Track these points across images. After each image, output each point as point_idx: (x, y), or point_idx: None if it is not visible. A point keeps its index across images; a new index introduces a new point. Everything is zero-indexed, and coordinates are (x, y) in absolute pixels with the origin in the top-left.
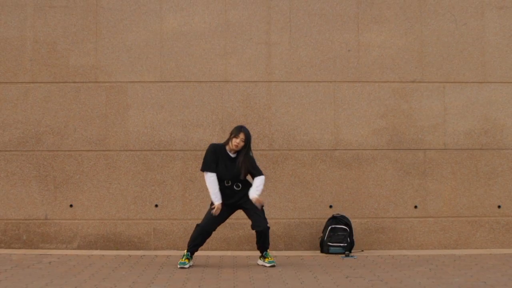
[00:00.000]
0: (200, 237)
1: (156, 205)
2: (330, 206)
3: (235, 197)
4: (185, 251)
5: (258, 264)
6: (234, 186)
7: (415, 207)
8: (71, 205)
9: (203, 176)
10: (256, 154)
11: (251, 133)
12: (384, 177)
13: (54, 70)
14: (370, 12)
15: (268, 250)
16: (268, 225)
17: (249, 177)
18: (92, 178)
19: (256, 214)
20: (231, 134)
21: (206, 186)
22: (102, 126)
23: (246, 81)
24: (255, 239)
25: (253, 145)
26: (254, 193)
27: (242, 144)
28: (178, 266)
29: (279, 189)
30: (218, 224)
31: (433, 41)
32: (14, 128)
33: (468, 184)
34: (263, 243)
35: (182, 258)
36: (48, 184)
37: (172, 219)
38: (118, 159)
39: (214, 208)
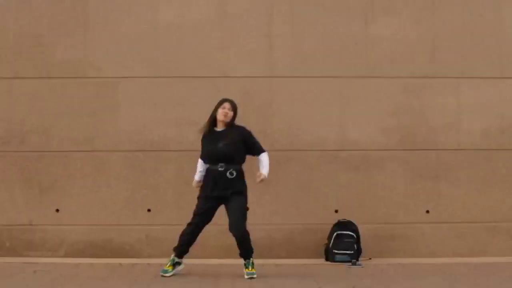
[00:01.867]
0: (186, 237)
1: (149, 210)
2: (336, 211)
3: (227, 188)
4: (172, 255)
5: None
6: (228, 174)
7: (427, 212)
8: (57, 210)
9: None
10: None
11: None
12: (394, 180)
13: (39, 65)
14: (379, 2)
15: (251, 259)
16: (245, 231)
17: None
18: (80, 180)
19: (235, 216)
20: (214, 109)
21: None
22: (90, 124)
23: (246, 76)
24: (255, 247)
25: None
26: (264, 169)
27: (231, 113)
28: (161, 274)
29: (281, 192)
30: (207, 220)
31: (446, 34)
32: None
33: (484, 187)
34: (243, 250)
35: (166, 265)
36: (33, 187)
37: (166, 225)
38: (108, 160)
39: (198, 206)
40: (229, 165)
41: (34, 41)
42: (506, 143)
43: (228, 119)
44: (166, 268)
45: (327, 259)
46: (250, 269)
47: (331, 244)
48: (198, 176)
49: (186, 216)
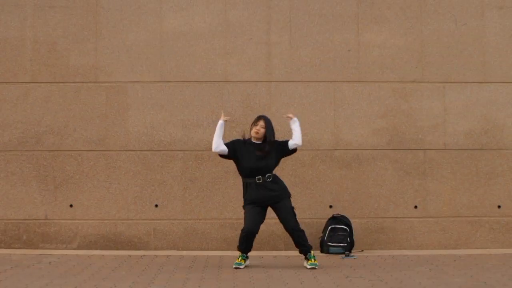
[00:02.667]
0: (245, 240)
1: (156, 205)
2: (330, 206)
3: (268, 191)
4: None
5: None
6: (266, 178)
7: (415, 207)
8: (71, 205)
9: (203, 176)
10: None
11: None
12: (384, 177)
13: (54, 70)
14: (370, 12)
15: (312, 252)
16: (298, 226)
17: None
18: (92, 178)
19: (287, 214)
20: (251, 126)
21: (205, 186)
22: (102, 126)
23: (246, 81)
24: (255, 239)
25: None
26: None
27: (262, 130)
28: (233, 266)
29: None
30: (259, 222)
31: (433, 41)
32: (14, 128)
33: (468, 184)
34: (299, 245)
35: (238, 259)
36: (48, 184)
37: (172, 219)
38: (118, 159)
39: (247, 204)
40: (266, 174)
41: (49, 48)
42: (489, 143)
43: (260, 136)
44: (238, 261)
45: (322, 251)
46: (313, 260)
47: (325, 237)
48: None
49: (191, 210)
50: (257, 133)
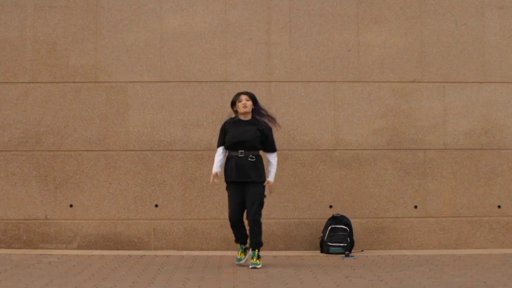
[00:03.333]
0: (234, 230)
1: (156, 205)
2: (330, 206)
3: (246, 172)
4: (239, 244)
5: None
6: (249, 158)
7: (415, 207)
8: (71, 205)
9: (203, 176)
10: None
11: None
12: (384, 177)
13: (54, 70)
14: (370, 12)
15: (257, 251)
16: (258, 218)
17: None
18: (92, 178)
19: (252, 205)
20: (232, 104)
21: (205, 186)
22: (102, 126)
23: (246, 81)
24: None
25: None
26: (271, 177)
27: (249, 103)
28: (236, 263)
29: (279, 189)
30: (241, 209)
31: (433, 41)
32: (14, 128)
33: (468, 184)
34: (252, 237)
35: (238, 253)
36: (48, 184)
37: (172, 219)
38: (118, 159)
39: (228, 186)
40: (251, 151)
41: (49, 48)
42: (489, 143)
43: (249, 110)
44: (239, 256)
45: (322, 251)
46: (255, 259)
47: (325, 237)
48: (216, 167)
49: (191, 210)
50: (245, 106)
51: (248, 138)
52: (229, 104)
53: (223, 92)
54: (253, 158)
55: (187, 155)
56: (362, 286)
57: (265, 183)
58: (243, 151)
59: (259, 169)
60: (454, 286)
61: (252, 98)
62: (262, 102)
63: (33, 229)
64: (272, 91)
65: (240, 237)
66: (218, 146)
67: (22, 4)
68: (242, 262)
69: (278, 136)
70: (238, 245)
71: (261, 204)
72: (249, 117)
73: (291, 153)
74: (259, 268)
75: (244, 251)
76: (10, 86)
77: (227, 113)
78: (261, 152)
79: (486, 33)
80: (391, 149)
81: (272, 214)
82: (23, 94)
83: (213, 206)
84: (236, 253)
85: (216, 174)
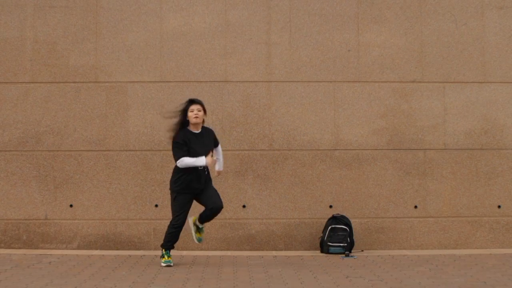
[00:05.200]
0: (177, 234)
1: (156, 205)
2: (330, 206)
3: (201, 184)
4: (163, 250)
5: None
6: (206, 172)
7: (415, 207)
8: (71, 205)
9: None
10: (256, 154)
11: (251, 133)
12: (384, 177)
13: (54, 70)
14: (370, 12)
15: (203, 225)
16: (222, 205)
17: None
18: (92, 178)
19: (216, 194)
20: (182, 112)
21: None
22: (102, 126)
23: (246, 81)
24: (255, 239)
25: (253, 145)
26: (220, 167)
27: (200, 113)
28: (164, 265)
29: (279, 189)
30: (187, 213)
31: (433, 41)
32: (14, 128)
33: (468, 184)
34: (209, 218)
35: (165, 257)
36: (48, 184)
37: None
38: (118, 159)
39: (181, 194)
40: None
41: (49, 48)
42: (488, 143)
43: (200, 120)
44: (168, 259)
45: (322, 251)
46: (200, 234)
47: (325, 237)
48: (201, 159)
49: (191, 211)
50: (197, 116)
51: (205, 153)
52: (228, 104)
53: (223, 92)
54: (206, 171)
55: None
56: (362, 286)
57: (216, 173)
58: (201, 166)
59: (208, 177)
60: (454, 286)
61: (203, 107)
62: (262, 102)
63: (33, 229)
64: (272, 91)
65: (176, 240)
66: (182, 157)
67: (22, 4)
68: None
69: (278, 135)
70: (164, 251)
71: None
72: (199, 128)
73: (291, 153)
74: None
75: (170, 254)
76: (10, 86)
77: (227, 113)
78: None
79: (486, 33)
80: (391, 149)
81: (272, 214)
82: (23, 94)
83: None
84: (236, 253)
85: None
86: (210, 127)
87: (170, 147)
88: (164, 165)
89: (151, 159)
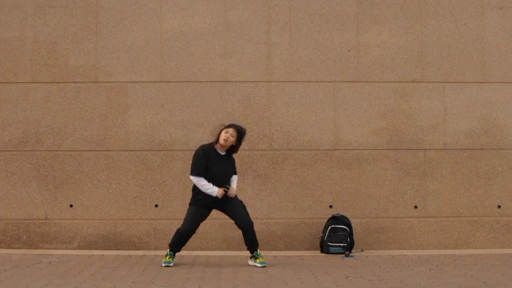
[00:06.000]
0: (183, 240)
1: (156, 205)
2: (330, 206)
3: (219, 200)
4: (168, 250)
5: (249, 264)
6: (225, 188)
7: (415, 207)
8: (71, 205)
9: None
10: (256, 154)
11: (251, 133)
12: (384, 177)
13: (54, 70)
14: (370, 12)
15: (258, 250)
16: (252, 221)
17: None
18: (92, 178)
19: (241, 208)
20: (220, 129)
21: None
22: (102, 126)
23: (246, 81)
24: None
25: (253, 145)
26: (232, 194)
27: (232, 139)
28: (163, 265)
29: (279, 189)
30: (199, 224)
31: (433, 41)
32: (14, 128)
33: (468, 184)
34: (250, 241)
35: (167, 257)
36: (48, 184)
37: (172, 219)
38: (118, 159)
39: (198, 206)
40: (228, 183)
41: (49, 48)
42: (488, 143)
43: (228, 145)
44: (169, 259)
45: (322, 251)
46: (261, 258)
47: (325, 237)
48: (215, 189)
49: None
50: (226, 141)
51: (230, 174)
52: (228, 104)
53: (223, 92)
54: (227, 188)
55: (187, 155)
56: (362, 286)
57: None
58: (227, 185)
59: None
60: (454, 286)
61: (239, 136)
62: (262, 102)
63: (33, 229)
64: (272, 91)
65: (182, 246)
66: (199, 174)
67: (22, 4)
68: (171, 265)
69: (278, 135)
70: (168, 251)
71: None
72: (224, 150)
73: (291, 153)
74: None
75: (173, 256)
76: (10, 86)
77: (227, 113)
78: None
79: (486, 33)
80: (391, 149)
81: (272, 214)
82: (23, 94)
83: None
84: (235, 253)
85: (222, 190)
86: (233, 156)
87: (171, 147)
88: (164, 165)
89: (151, 159)
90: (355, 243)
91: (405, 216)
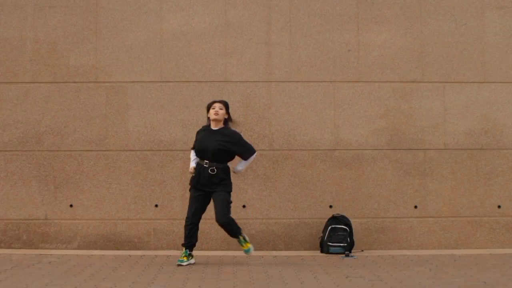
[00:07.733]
0: (187, 230)
1: (156, 205)
2: (330, 206)
3: (209, 184)
4: (184, 248)
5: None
6: (209, 170)
7: (415, 207)
8: (71, 205)
9: None
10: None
11: (251, 133)
12: (384, 177)
13: (54, 70)
14: (370, 12)
15: (241, 237)
16: (227, 220)
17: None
18: (92, 178)
19: (219, 207)
20: (206, 110)
21: None
22: (102, 126)
23: (246, 81)
24: (255, 239)
25: (253, 145)
26: (239, 170)
27: (222, 111)
28: (176, 263)
29: (279, 189)
30: (200, 213)
31: (433, 41)
32: (14, 128)
33: (468, 184)
34: (231, 235)
35: (181, 256)
36: (48, 184)
37: (172, 219)
38: (118, 159)
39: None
40: (215, 162)
41: (49, 48)
42: (489, 143)
43: (220, 118)
44: (182, 258)
45: (322, 251)
46: (244, 245)
47: (325, 237)
48: (193, 163)
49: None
50: (217, 113)
51: (211, 147)
52: (229, 104)
53: (223, 92)
54: (213, 171)
55: (187, 155)
56: (362, 286)
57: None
58: (207, 161)
59: (221, 182)
60: (454, 286)
61: (226, 107)
62: (262, 102)
63: (33, 229)
64: (272, 91)
65: (190, 242)
66: (192, 148)
67: (22, 4)
68: (185, 264)
69: (278, 135)
70: (185, 249)
71: (228, 206)
72: (219, 125)
73: (291, 153)
74: (252, 251)
75: (187, 255)
76: (10, 86)
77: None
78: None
79: (486, 33)
80: (391, 149)
81: (272, 214)
82: (23, 94)
83: (213, 206)
84: (235, 253)
85: (193, 168)
86: (238, 132)
87: (171, 147)
88: (164, 165)
89: (151, 159)
90: (355, 243)
91: (405, 216)
